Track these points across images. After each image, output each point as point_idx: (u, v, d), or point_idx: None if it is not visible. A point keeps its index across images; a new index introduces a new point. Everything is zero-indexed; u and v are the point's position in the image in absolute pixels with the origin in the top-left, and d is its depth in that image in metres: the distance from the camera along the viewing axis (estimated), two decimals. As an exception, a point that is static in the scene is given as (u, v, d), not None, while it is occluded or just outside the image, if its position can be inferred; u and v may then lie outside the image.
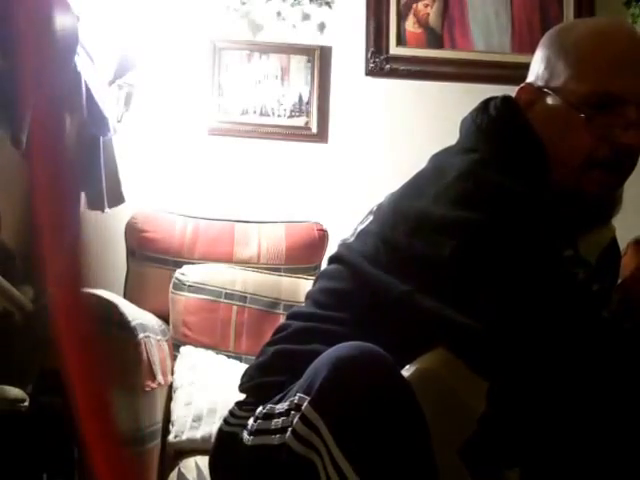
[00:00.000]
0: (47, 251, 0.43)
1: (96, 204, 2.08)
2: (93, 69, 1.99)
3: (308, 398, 1.03)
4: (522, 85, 1.26)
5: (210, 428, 1.81)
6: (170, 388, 1.97)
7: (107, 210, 2.13)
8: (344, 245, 1.34)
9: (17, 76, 1.58)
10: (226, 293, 2.19)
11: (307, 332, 1.26)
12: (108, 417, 0.43)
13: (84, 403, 0.42)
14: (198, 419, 1.87)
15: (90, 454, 0.43)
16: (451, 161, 1.22)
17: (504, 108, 1.27)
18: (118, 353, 1.59)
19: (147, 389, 1.68)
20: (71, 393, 0.42)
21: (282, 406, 1.10)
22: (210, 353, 2.10)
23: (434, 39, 2.75)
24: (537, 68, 1.26)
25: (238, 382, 1.32)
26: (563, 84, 1.20)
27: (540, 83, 1.24)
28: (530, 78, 1.26)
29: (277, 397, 1.14)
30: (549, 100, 1.22)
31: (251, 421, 1.16)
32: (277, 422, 1.09)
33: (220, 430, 1.28)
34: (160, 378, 1.76)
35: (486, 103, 1.29)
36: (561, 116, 1.20)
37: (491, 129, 1.25)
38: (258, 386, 1.26)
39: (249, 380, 1.29)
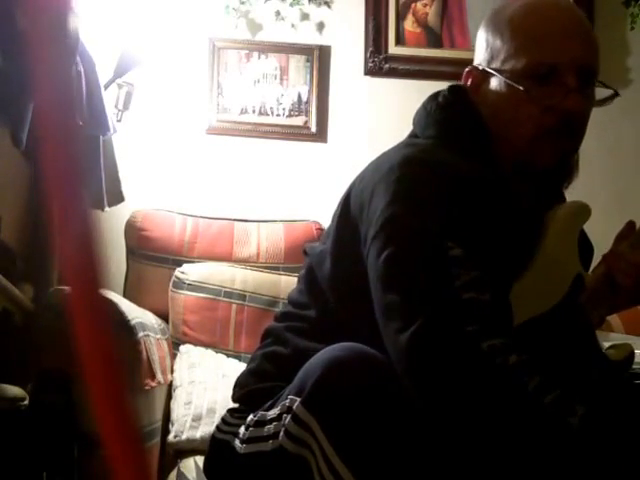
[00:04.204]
0: (63, 250, 0.43)
1: (96, 203, 2.08)
2: (93, 68, 2.00)
3: (299, 399, 1.04)
4: (467, 69, 1.28)
5: (209, 428, 1.81)
6: (170, 387, 1.98)
7: (107, 209, 2.13)
8: (310, 245, 1.37)
9: (17, 75, 1.59)
10: (225, 292, 2.19)
11: (287, 332, 1.28)
12: (126, 414, 0.44)
13: (102, 401, 0.43)
14: (197, 419, 1.87)
15: (108, 452, 0.44)
16: (388, 154, 1.24)
17: (451, 94, 1.29)
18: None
19: (147, 388, 1.68)
20: (86, 392, 0.43)
21: (274, 412, 1.11)
22: (209, 352, 2.11)
23: (433, 38, 2.75)
24: (479, 50, 1.28)
25: (231, 392, 1.33)
26: (502, 62, 1.22)
27: (483, 65, 1.25)
28: (475, 61, 1.28)
29: (268, 404, 1.15)
30: (492, 80, 1.23)
31: (242, 429, 1.17)
32: (269, 428, 1.10)
33: (213, 437, 1.29)
34: (160, 377, 1.76)
35: (438, 92, 1.32)
36: (504, 94, 1.21)
37: (438, 114, 1.27)
38: (249, 394, 1.27)
39: (241, 388, 1.30)
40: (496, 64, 1.22)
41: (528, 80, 1.18)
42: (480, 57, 1.27)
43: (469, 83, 1.27)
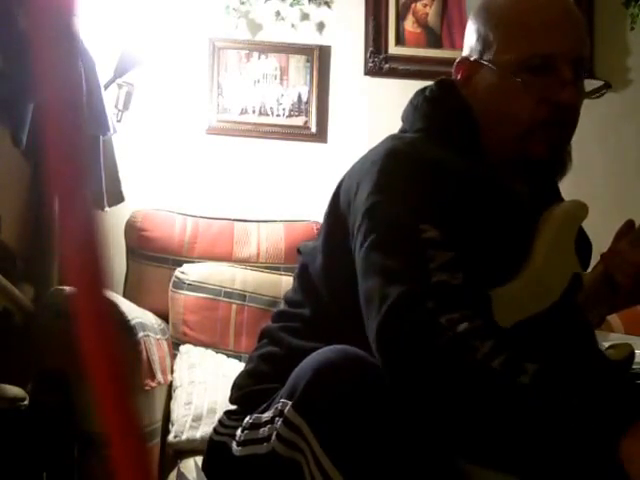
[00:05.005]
0: (66, 251, 0.43)
1: (96, 203, 2.08)
2: (93, 68, 2.00)
3: (290, 402, 1.04)
4: (458, 60, 1.27)
5: (209, 428, 1.81)
6: (170, 387, 1.98)
7: (107, 209, 2.14)
8: (303, 244, 1.37)
9: (17, 75, 1.59)
10: (225, 292, 2.19)
11: (281, 332, 1.28)
12: (129, 414, 0.44)
13: (105, 401, 0.43)
14: (198, 419, 1.87)
15: (111, 451, 0.44)
16: (375, 148, 1.24)
17: (438, 88, 1.29)
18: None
19: (147, 388, 1.68)
20: (89, 392, 0.43)
21: (268, 415, 1.11)
22: (210, 352, 2.11)
23: (433, 39, 2.75)
24: (470, 42, 1.26)
25: (229, 393, 1.33)
26: (496, 53, 1.21)
27: (475, 56, 1.24)
28: (465, 52, 1.27)
29: (263, 406, 1.15)
30: (485, 71, 1.22)
31: (239, 431, 1.17)
32: (264, 430, 1.10)
33: (211, 439, 1.29)
34: (160, 377, 1.76)
35: (425, 87, 1.31)
36: (499, 85, 1.20)
37: (425, 108, 1.27)
38: (245, 395, 1.27)
39: (239, 390, 1.30)
40: (489, 55, 1.22)
41: (522, 72, 1.17)
42: (471, 48, 1.26)
43: (460, 75, 1.26)
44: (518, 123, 1.19)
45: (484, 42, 1.23)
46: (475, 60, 1.24)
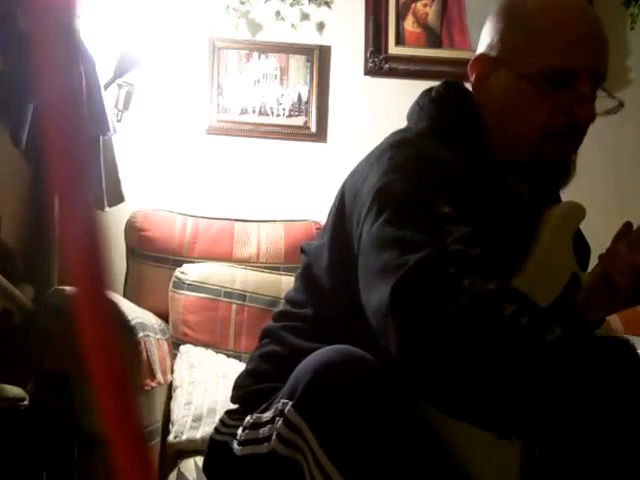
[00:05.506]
0: (68, 251, 0.43)
1: (96, 203, 2.08)
2: (93, 68, 2.00)
3: (291, 402, 1.04)
4: (476, 56, 1.25)
5: (210, 428, 1.81)
6: (170, 387, 1.98)
7: (107, 209, 2.14)
8: (307, 244, 1.36)
9: (17, 75, 1.59)
10: (225, 292, 2.19)
11: (283, 331, 1.27)
12: (131, 414, 0.44)
13: (107, 401, 0.43)
14: (198, 419, 1.87)
15: (112, 451, 0.44)
16: (380, 144, 1.23)
17: (444, 88, 1.28)
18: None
19: (147, 388, 1.68)
20: (91, 392, 0.43)
21: (268, 414, 1.11)
22: (210, 352, 2.11)
23: (433, 39, 2.75)
24: (490, 39, 1.24)
25: (230, 393, 1.33)
26: (518, 57, 1.19)
27: (494, 54, 1.22)
28: (482, 49, 1.25)
29: (264, 406, 1.15)
30: (504, 73, 1.21)
31: (240, 431, 1.17)
32: (264, 430, 1.10)
33: (212, 439, 1.29)
34: (160, 377, 1.76)
35: (431, 88, 1.31)
36: (517, 90, 1.19)
37: (430, 109, 1.27)
38: (246, 395, 1.27)
39: (239, 389, 1.30)
40: (511, 57, 1.20)
41: (542, 80, 1.16)
42: (491, 45, 1.23)
43: (475, 72, 1.24)
44: (531, 130, 1.18)
45: (507, 43, 1.21)
46: (494, 57, 1.22)
